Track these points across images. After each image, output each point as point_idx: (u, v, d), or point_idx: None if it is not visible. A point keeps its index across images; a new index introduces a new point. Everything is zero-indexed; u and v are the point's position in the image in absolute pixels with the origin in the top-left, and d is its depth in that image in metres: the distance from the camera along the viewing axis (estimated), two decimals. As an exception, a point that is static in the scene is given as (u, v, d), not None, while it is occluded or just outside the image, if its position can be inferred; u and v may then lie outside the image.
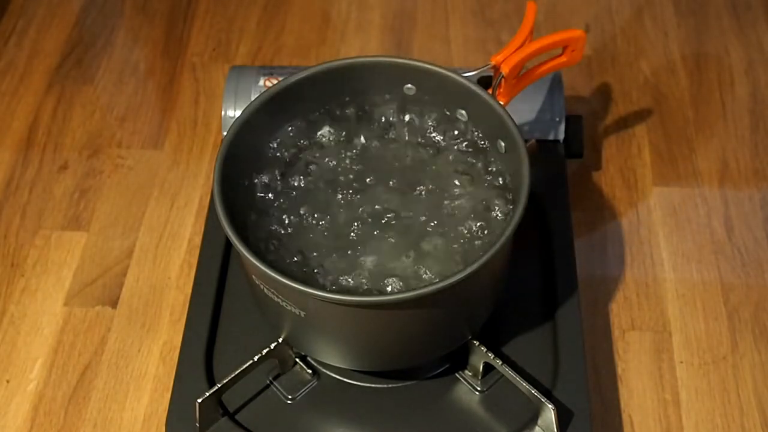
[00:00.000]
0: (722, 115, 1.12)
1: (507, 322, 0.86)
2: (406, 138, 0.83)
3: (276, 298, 0.73)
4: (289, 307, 0.73)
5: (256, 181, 0.80)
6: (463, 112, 0.82)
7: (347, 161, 0.82)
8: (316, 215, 0.78)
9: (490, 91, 0.81)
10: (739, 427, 0.87)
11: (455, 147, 0.82)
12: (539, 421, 0.79)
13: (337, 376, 0.84)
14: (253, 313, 0.85)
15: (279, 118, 0.82)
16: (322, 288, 0.73)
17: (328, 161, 0.82)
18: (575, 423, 0.80)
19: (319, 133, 0.83)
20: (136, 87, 1.18)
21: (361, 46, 1.22)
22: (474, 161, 0.81)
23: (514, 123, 0.76)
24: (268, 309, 0.78)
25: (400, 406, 0.82)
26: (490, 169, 0.80)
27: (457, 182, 0.80)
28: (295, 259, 0.75)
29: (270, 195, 0.79)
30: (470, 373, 0.83)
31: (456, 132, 0.83)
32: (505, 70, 0.80)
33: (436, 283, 0.68)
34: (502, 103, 0.80)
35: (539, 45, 0.82)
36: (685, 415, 0.88)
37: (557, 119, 0.99)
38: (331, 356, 0.80)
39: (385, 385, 0.83)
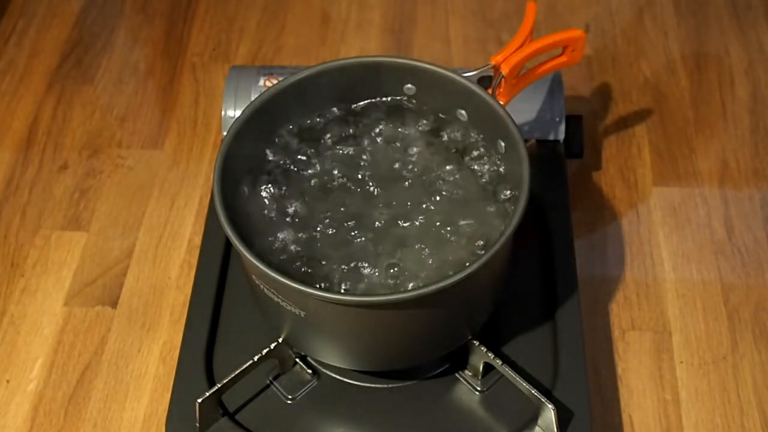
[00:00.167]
0: (722, 115, 1.12)
1: (507, 322, 0.86)
2: (406, 138, 0.83)
3: (276, 298, 0.73)
4: (289, 307, 0.73)
5: (256, 181, 0.80)
6: (463, 112, 0.82)
7: (347, 161, 0.82)
8: (316, 215, 0.78)
9: (490, 91, 0.81)
10: (739, 427, 0.87)
11: (455, 147, 0.82)
12: (539, 421, 0.79)
13: (337, 376, 0.84)
14: (253, 313, 0.85)
15: (279, 119, 0.82)
16: (323, 288, 0.73)
17: (328, 161, 0.82)
18: (575, 423, 0.80)
19: (319, 133, 0.83)
20: (136, 87, 1.18)
21: (361, 46, 1.22)
22: (474, 161, 0.81)
23: (514, 123, 0.76)
24: (268, 309, 0.78)
25: (400, 406, 0.82)
26: (490, 169, 0.80)
27: (457, 182, 0.80)
28: (296, 258, 0.75)
29: (270, 195, 0.79)
30: (470, 373, 0.83)
31: (456, 132, 0.83)
32: (505, 70, 0.80)
33: (436, 283, 0.68)
34: (502, 103, 0.80)
35: (539, 45, 0.82)
36: (685, 415, 0.88)
37: (557, 119, 0.99)
38: (331, 356, 0.80)
39: (385, 385, 0.83)
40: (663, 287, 0.97)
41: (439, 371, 0.84)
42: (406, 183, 0.80)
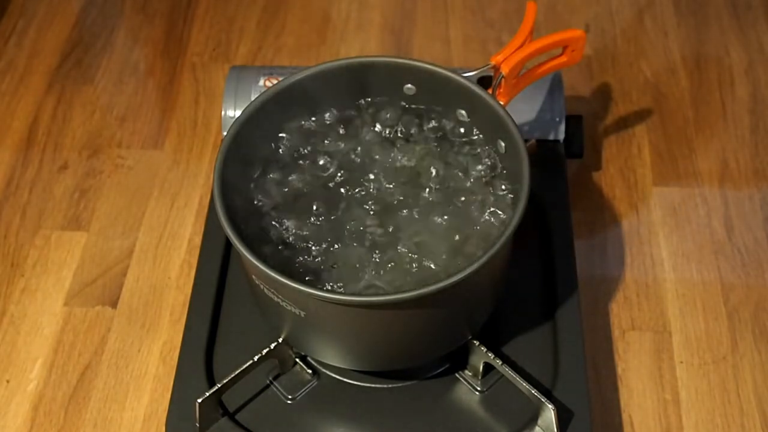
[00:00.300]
0: (722, 115, 1.12)
1: (507, 322, 0.86)
2: (406, 138, 0.83)
3: (276, 298, 0.73)
4: (289, 307, 0.73)
5: (255, 181, 0.80)
6: (463, 112, 0.82)
7: (347, 161, 0.82)
8: (316, 215, 0.78)
9: (490, 91, 0.81)
10: (739, 427, 0.87)
11: (455, 147, 0.82)
12: (539, 421, 0.79)
13: (337, 376, 0.84)
14: (253, 313, 0.85)
15: (279, 118, 0.82)
16: (323, 288, 0.73)
17: (327, 161, 0.82)
18: (575, 423, 0.80)
19: (320, 133, 0.83)
20: (136, 87, 1.18)
21: (361, 46, 1.22)
22: (474, 161, 0.81)
23: (514, 123, 0.76)
24: (268, 309, 0.78)
25: (400, 406, 0.82)
26: (490, 169, 0.80)
27: (457, 182, 0.80)
28: (296, 258, 0.75)
29: (270, 195, 0.79)
30: (470, 373, 0.83)
31: (456, 132, 0.83)
32: (505, 70, 0.80)
33: (437, 282, 0.68)
34: (502, 103, 0.80)
35: (539, 45, 0.82)
36: (685, 415, 0.88)
37: (557, 119, 0.99)
38: (331, 356, 0.80)
39: (385, 385, 0.83)
40: (663, 287, 0.97)
41: (439, 371, 0.84)
42: (407, 183, 0.80)
